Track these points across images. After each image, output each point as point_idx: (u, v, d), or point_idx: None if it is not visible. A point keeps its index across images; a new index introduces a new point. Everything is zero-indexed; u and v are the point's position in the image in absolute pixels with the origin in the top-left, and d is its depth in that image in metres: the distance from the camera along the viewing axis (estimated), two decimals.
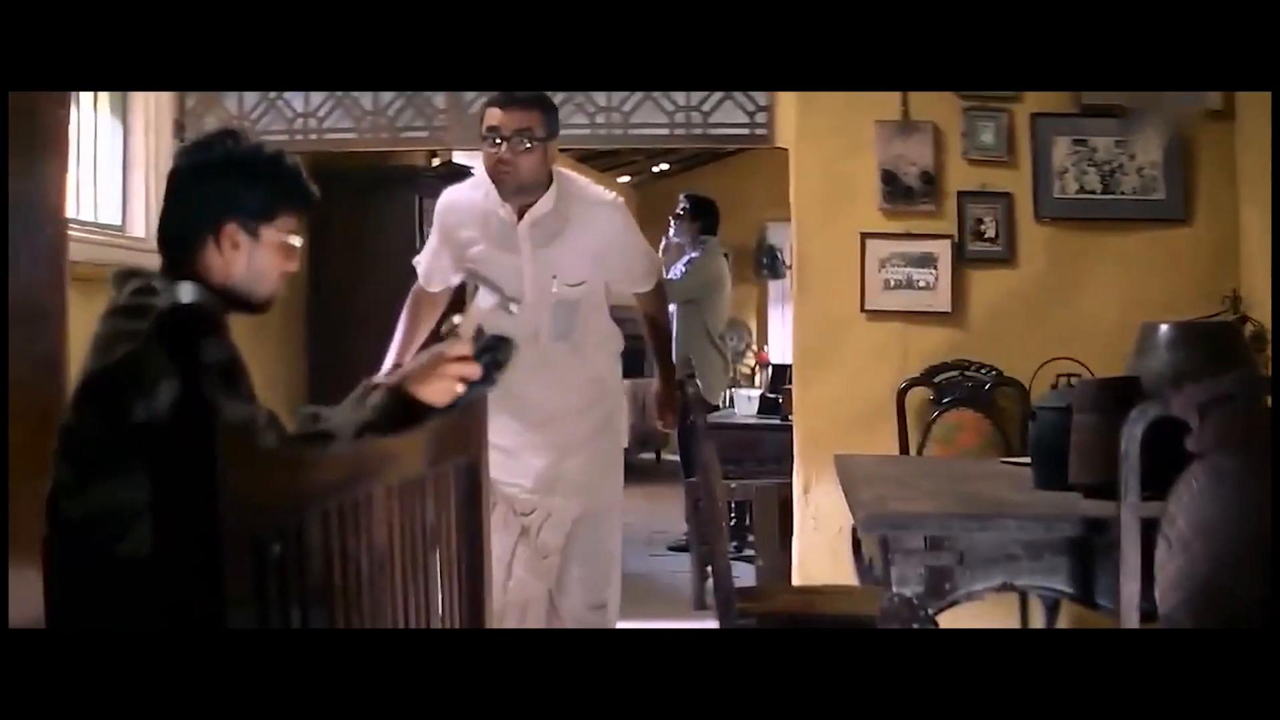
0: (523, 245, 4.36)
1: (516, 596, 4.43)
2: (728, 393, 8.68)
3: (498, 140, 4.23)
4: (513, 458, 4.37)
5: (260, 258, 2.73)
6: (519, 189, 4.29)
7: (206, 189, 2.67)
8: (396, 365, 4.43)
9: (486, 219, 4.43)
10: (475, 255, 4.45)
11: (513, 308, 3.18)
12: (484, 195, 4.43)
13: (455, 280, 4.71)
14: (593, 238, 4.42)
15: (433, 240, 4.67)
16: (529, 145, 4.23)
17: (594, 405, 4.57)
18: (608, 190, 4.66)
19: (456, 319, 2.93)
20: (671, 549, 8.50)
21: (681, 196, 8.81)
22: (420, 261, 4.72)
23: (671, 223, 8.64)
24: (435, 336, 4.39)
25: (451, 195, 4.64)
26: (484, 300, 4.15)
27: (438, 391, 2.73)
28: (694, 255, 8.60)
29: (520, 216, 4.35)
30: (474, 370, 2.79)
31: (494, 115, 4.25)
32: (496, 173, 4.28)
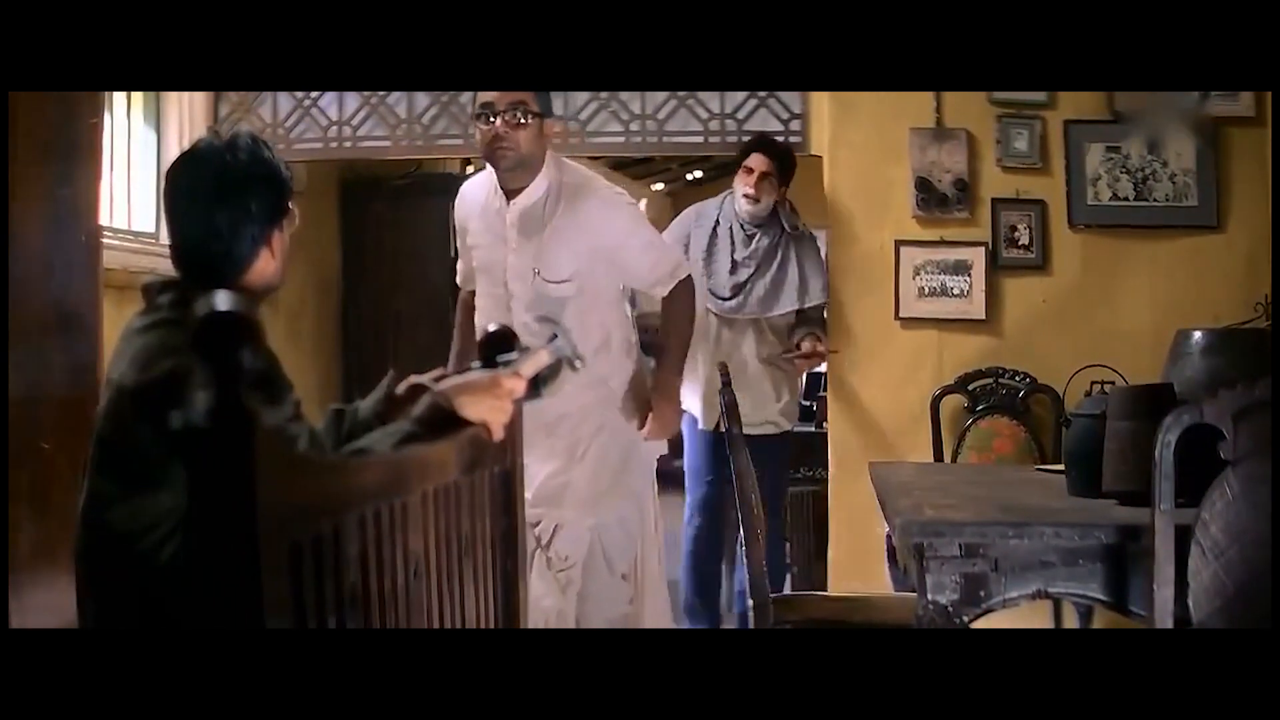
0: (509, 233, 4.28)
1: (537, 611, 4.16)
2: None
3: (491, 117, 4.14)
4: None
5: (285, 251, 2.76)
6: (519, 164, 4.19)
7: (248, 199, 2.64)
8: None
9: (485, 211, 4.38)
10: (476, 249, 4.44)
11: (578, 364, 3.14)
12: (489, 187, 4.37)
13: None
14: (588, 233, 4.26)
15: (458, 239, 4.67)
16: (524, 119, 4.13)
17: (596, 409, 4.36)
18: (615, 186, 4.52)
19: (514, 355, 2.91)
20: None
21: (753, 142, 5.73)
22: (459, 265, 4.71)
23: (750, 191, 5.62)
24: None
25: (462, 190, 4.62)
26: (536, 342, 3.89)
27: (490, 411, 2.73)
28: (808, 240, 5.87)
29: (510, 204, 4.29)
30: (523, 390, 2.82)
31: (487, 94, 4.16)
32: (493, 150, 4.18)
